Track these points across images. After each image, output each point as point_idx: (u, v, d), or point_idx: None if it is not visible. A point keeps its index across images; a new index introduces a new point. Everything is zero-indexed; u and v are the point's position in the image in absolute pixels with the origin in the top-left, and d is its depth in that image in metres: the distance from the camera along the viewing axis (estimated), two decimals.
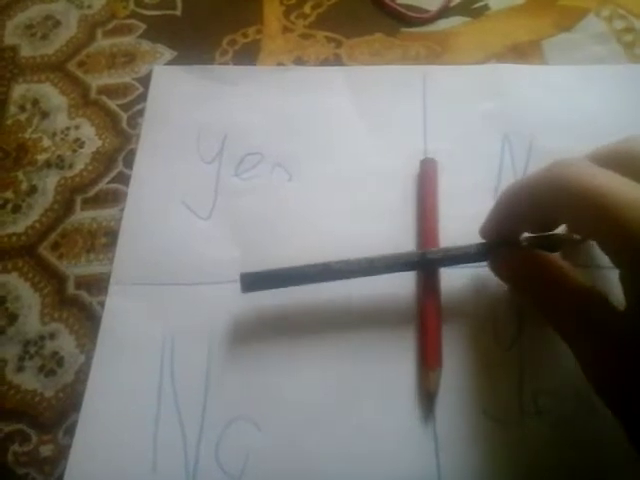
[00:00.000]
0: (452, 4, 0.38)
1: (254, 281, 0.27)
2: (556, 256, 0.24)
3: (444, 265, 0.28)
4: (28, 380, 0.28)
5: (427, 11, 0.38)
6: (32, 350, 0.29)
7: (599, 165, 0.21)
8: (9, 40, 0.38)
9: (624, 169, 0.21)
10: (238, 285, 0.28)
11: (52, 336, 0.29)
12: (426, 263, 0.27)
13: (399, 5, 0.38)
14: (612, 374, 0.21)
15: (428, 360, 0.26)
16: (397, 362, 0.27)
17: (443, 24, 0.37)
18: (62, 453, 0.26)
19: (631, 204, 0.19)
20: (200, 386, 0.27)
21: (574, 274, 0.23)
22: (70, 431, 0.27)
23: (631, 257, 0.19)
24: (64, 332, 0.29)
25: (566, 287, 0.23)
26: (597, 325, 0.21)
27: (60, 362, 0.28)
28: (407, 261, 0.27)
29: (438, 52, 0.36)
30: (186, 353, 0.28)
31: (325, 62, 0.36)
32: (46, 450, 0.26)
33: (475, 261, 0.27)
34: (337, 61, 0.36)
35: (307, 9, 0.38)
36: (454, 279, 0.28)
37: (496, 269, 0.26)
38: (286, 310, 0.28)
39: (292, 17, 0.38)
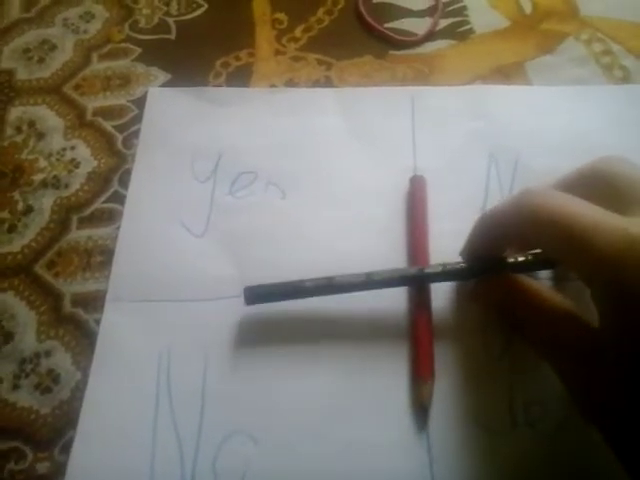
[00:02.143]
0: (438, 28, 0.39)
1: (257, 294, 0.28)
2: (529, 279, 0.26)
3: (442, 280, 0.28)
4: (24, 398, 0.28)
5: (414, 34, 0.39)
6: (28, 368, 0.29)
7: (565, 191, 0.23)
8: (5, 64, 0.39)
9: (589, 192, 0.22)
10: (233, 301, 0.29)
11: (48, 354, 0.29)
12: (424, 279, 0.28)
13: (387, 29, 0.39)
14: (591, 391, 0.21)
15: (421, 372, 0.27)
16: (390, 375, 0.27)
17: (430, 47, 0.39)
18: (59, 470, 0.26)
19: (599, 230, 0.20)
20: (197, 401, 0.27)
21: (548, 294, 0.24)
22: (66, 448, 0.27)
23: (602, 281, 0.20)
24: (60, 349, 0.29)
25: (540, 308, 0.24)
26: (572, 343, 0.22)
27: (56, 379, 0.28)
28: (405, 276, 0.28)
29: (425, 74, 0.37)
30: (182, 369, 0.28)
31: (316, 84, 0.37)
32: (42, 468, 0.26)
33: (471, 278, 0.27)
34: (327, 83, 0.37)
35: (298, 33, 0.40)
36: (444, 292, 0.29)
37: (475, 299, 0.28)
38: (280, 325, 0.29)
39: (283, 40, 0.39)
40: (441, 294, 0.29)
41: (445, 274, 0.27)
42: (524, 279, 0.26)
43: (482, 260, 0.27)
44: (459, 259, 0.27)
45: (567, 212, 0.21)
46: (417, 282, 0.28)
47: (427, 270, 0.27)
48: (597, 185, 0.24)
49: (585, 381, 0.22)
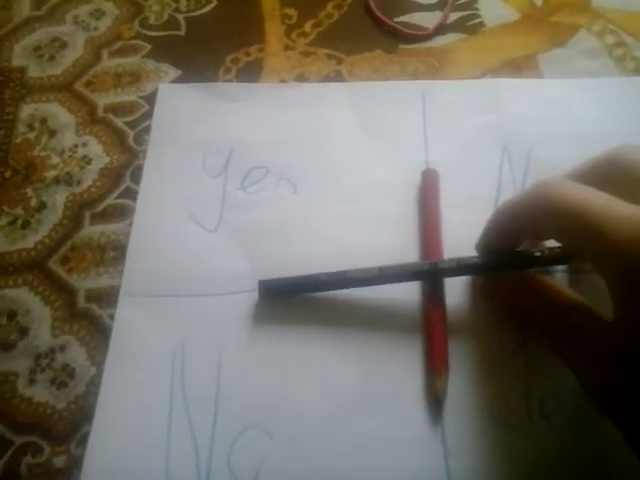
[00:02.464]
0: (448, 21, 0.39)
1: (271, 288, 0.28)
2: (539, 275, 0.26)
3: (456, 275, 0.28)
4: (40, 393, 0.28)
5: (424, 28, 0.39)
6: (43, 363, 0.29)
7: (579, 181, 0.23)
8: (17, 62, 0.39)
9: (604, 182, 0.22)
10: (246, 295, 0.29)
11: (63, 349, 0.29)
12: (439, 273, 0.28)
13: (397, 23, 0.39)
14: (604, 384, 0.21)
15: (435, 365, 0.27)
16: (405, 368, 0.27)
17: (440, 41, 0.39)
18: (75, 464, 0.26)
19: (612, 218, 0.20)
20: (211, 396, 0.27)
21: (560, 289, 0.24)
22: (83, 442, 0.27)
23: (615, 268, 0.20)
24: (75, 344, 0.29)
25: (552, 303, 0.24)
26: (586, 337, 0.22)
27: (71, 374, 0.28)
28: (419, 270, 0.28)
29: (436, 68, 0.37)
30: (196, 363, 0.28)
31: (326, 79, 0.37)
32: (59, 461, 0.27)
33: (486, 272, 0.27)
34: (338, 77, 0.37)
35: (308, 28, 0.40)
36: (458, 286, 0.29)
37: (487, 296, 0.28)
38: (294, 320, 0.29)
39: (293, 35, 0.39)
40: (455, 287, 0.29)
41: (459, 269, 0.27)
42: (535, 275, 0.26)
43: (497, 254, 0.27)
44: (473, 252, 0.27)
45: (581, 201, 0.21)
46: (431, 277, 0.28)
47: (441, 265, 0.27)
48: (612, 174, 0.24)
49: (598, 375, 0.22)
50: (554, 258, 0.26)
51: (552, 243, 0.26)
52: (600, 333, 0.22)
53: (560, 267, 0.28)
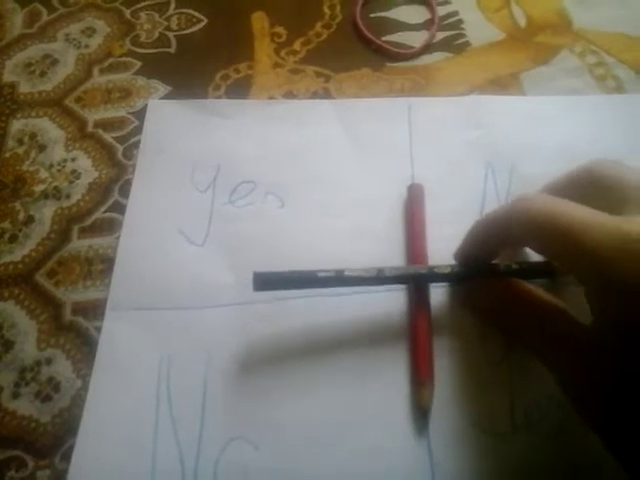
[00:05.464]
0: (435, 41, 0.40)
1: (266, 280, 0.27)
2: (519, 281, 0.26)
3: (453, 280, 0.28)
4: (24, 406, 0.28)
5: (411, 47, 0.40)
6: (28, 376, 0.29)
7: (556, 194, 0.24)
8: (8, 78, 0.39)
9: (579, 195, 0.23)
10: (233, 308, 0.30)
11: (48, 361, 0.29)
12: (436, 278, 0.28)
13: (384, 42, 0.40)
14: (583, 389, 0.22)
15: (420, 375, 0.27)
16: (390, 379, 0.27)
17: (426, 59, 0.39)
18: (59, 478, 0.26)
19: (587, 227, 0.21)
20: (197, 408, 0.27)
21: (538, 293, 0.25)
22: (67, 456, 0.26)
23: (592, 276, 0.21)
24: (61, 357, 0.29)
25: (531, 307, 0.25)
26: (563, 340, 0.23)
27: (56, 387, 0.28)
28: (415, 273, 0.28)
29: (422, 85, 0.38)
30: (183, 376, 0.28)
31: (314, 95, 0.38)
32: (43, 476, 0.26)
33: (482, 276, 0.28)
34: (326, 94, 0.38)
35: (297, 46, 0.40)
36: (443, 296, 0.29)
37: (472, 303, 0.28)
38: (280, 331, 0.29)
39: (282, 53, 0.40)
40: (440, 298, 0.29)
41: (454, 275, 0.27)
42: (514, 280, 0.26)
43: (483, 264, 0.27)
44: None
45: (558, 213, 0.22)
46: (427, 280, 0.28)
47: (437, 269, 0.27)
48: (587, 187, 0.24)
49: (578, 380, 0.22)
50: (532, 272, 0.27)
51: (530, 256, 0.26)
52: (579, 338, 0.22)
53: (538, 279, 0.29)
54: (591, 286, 0.21)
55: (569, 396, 0.22)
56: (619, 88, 0.37)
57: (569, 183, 0.26)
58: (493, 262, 0.27)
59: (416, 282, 0.29)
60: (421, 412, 0.26)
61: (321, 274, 0.27)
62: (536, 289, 0.25)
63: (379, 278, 0.27)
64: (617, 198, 0.23)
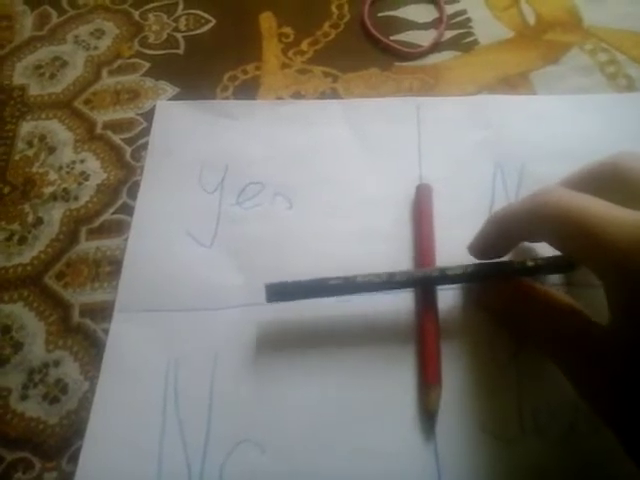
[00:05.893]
0: (443, 39, 0.40)
1: (279, 291, 0.27)
2: (533, 282, 0.26)
3: (467, 281, 0.28)
4: (32, 408, 0.28)
5: (419, 46, 0.39)
6: (36, 378, 0.29)
7: (575, 189, 0.23)
8: (18, 80, 0.40)
9: (598, 189, 0.23)
10: (240, 310, 0.30)
11: (56, 363, 0.29)
12: (448, 280, 0.28)
13: (392, 41, 0.40)
14: (600, 389, 0.21)
15: (428, 378, 0.26)
16: (398, 382, 0.27)
17: (435, 58, 0.39)
18: None
19: (609, 223, 0.20)
20: (203, 411, 0.27)
21: (553, 294, 0.24)
22: (74, 458, 0.27)
23: (611, 270, 0.20)
24: (68, 359, 0.29)
25: (546, 307, 0.24)
26: (579, 340, 0.22)
27: (64, 389, 0.28)
28: (427, 277, 0.28)
29: (431, 84, 0.38)
30: (189, 378, 0.28)
31: (322, 96, 0.38)
32: (50, 478, 0.26)
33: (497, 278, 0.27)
34: (334, 95, 0.38)
35: (304, 46, 0.40)
36: (451, 298, 0.29)
37: (481, 305, 0.28)
38: (287, 333, 0.29)
39: (290, 54, 0.40)
40: (448, 300, 0.29)
41: (466, 276, 0.27)
42: (528, 281, 0.26)
43: (497, 263, 0.27)
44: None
45: (579, 208, 0.21)
46: (438, 283, 0.28)
47: (449, 271, 0.27)
48: (609, 180, 0.24)
49: (595, 380, 0.22)
50: (548, 268, 0.26)
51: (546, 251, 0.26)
52: (596, 334, 0.22)
53: (553, 279, 0.28)
54: (609, 279, 0.21)
55: (585, 397, 0.22)
56: (630, 86, 0.37)
57: (590, 176, 0.25)
58: (507, 260, 0.27)
59: (427, 285, 0.29)
60: (428, 415, 0.26)
61: (333, 282, 0.27)
62: (549, 289, 0.25)
63: (391, 282, 0.27)
64: (638, 192, 0.22)
